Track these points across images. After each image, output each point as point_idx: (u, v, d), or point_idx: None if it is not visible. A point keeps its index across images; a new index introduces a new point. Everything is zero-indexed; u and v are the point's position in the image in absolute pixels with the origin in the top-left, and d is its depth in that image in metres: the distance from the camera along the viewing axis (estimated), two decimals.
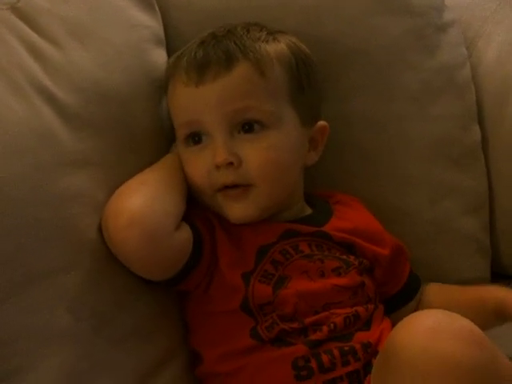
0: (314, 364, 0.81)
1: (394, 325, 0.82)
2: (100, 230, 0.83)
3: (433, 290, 0.99)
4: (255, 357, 0.82)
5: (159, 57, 0.95)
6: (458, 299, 0.95)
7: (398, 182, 1.05)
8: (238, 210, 0.86)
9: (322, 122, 0.93)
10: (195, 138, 0.88)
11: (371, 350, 0.83)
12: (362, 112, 1.03)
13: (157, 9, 0.98)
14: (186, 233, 0.84)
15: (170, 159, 0.90)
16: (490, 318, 0.90)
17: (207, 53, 0.86)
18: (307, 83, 0.91)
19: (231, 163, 0.85)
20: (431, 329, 0.70)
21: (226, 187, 0.86)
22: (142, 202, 0.81)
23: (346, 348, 0.83)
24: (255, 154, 0.85)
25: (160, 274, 0.84)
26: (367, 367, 0.82)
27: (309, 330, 0.83)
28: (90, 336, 0.80)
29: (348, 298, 0.86)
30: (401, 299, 0.96)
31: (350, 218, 0.93)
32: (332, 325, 0.84)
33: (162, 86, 0.94)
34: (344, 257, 0.89)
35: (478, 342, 0.70)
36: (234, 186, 0.86)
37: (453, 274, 1.07)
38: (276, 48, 0.89)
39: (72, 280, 0.80)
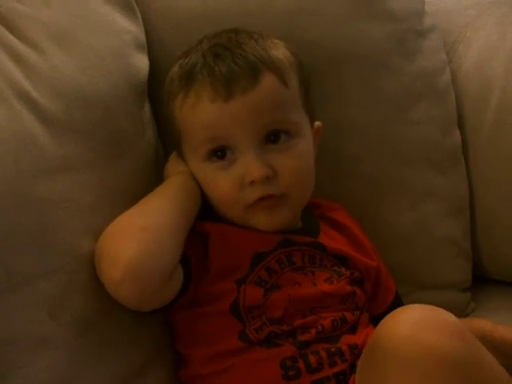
0: (301, 364, 0.82)
1: None
2: (83, 235, 0.82)
3: None
4: (243, 357, 0.83)
5: (141, 62, 0.95)
6: None
7: (379, 185, 1.05)
8: (271, 217, 0.87)
9: (317, 123, 0.94)
10: (218, 153, 0.86)
11: (357, 351, 0.84)
12: (341, 116, 1.03)
13: (138, 14, 0.98)
14: (178, 276, 0.83)
15: (180, 183, 0.88)
16: None
17: (230, 66, 0.85)
18: (309, 84, 0.92)
19: (268, 177, 0.84)
20: (416, 321, 0.72)
21: (261, 199, 0.85)
22: (140, 256, 0.78)
23: (333, 349, 0.83)
24: (287, 164, 0.86)
25: (149, 309, 0.85)
26: (353, 368, 0.82)
27: (297, 332, 0.84)
28: (72, 341, 0.80)
29: (336, 303, 0.87)
30: None
31: (335, 238, 0.94)
32: (320, 327, 0.84)
33: (144, 91, 0.94)
34: (335, 268, 0.90)
35: (461, 335, 0.72)
36: (268, 197, 0.85)
37: (434, 278, 1.08)
38: (284, 54, 0.89)
39: (54, 285, 0.79)
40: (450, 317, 0.74)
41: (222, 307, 0.84)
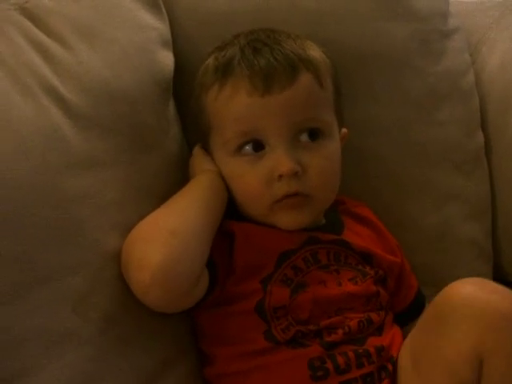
0: (329, 365, 0.81)
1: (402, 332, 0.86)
2: (109, 231, 0.82)
3: None
4: (270, 357, 0.82)
5: (166, 58, 0.94)
6: None
7: (402, 186, 1.05)
8: (294, 217, 0.87)
9: (344, 129, 0.94)
10: (247, 147, 0.86)
11: (384, 353, 0.84)
12: (365, 116, 1.03)
13: (164, 10, 0.98)
14: (204, 278, 0.83)
15: (208, 182, 0.88)
16: None
17: (269, 61, 0.85)
18: (340, 90, 0.92)
19: (296, 172, 0.84)
20: (479, 285, 0.78)
21: (286, 196, 0.85)
22: (169, 260, 0.78)
23: (361, 351, 0.83)
24: (316, 163, 0.86)
25: (175, 312, 0.85)
26: (381, 371, 0.83)
27: (324, 333, 0.84)
28: (96, 337, 0.80)
29: (361, 304, 0.87)
30: (409, 315, 0.96)
31: (360, 233, 0.94)
32: (347, 328, 0.84)
33: (169, 88, 0.94)
34: (360, 267, 0.90)
35: None
36: (294, 195, 0.85)
37: (454, 280, 1.07)
38: (321, 56, 0.90)
39: (79, 281, 0.79)
40: (505, 287, 0.79)
41: (247, 307, 0.84)
